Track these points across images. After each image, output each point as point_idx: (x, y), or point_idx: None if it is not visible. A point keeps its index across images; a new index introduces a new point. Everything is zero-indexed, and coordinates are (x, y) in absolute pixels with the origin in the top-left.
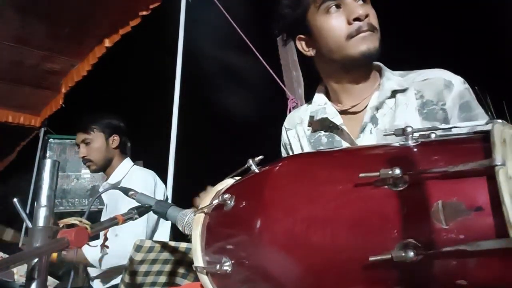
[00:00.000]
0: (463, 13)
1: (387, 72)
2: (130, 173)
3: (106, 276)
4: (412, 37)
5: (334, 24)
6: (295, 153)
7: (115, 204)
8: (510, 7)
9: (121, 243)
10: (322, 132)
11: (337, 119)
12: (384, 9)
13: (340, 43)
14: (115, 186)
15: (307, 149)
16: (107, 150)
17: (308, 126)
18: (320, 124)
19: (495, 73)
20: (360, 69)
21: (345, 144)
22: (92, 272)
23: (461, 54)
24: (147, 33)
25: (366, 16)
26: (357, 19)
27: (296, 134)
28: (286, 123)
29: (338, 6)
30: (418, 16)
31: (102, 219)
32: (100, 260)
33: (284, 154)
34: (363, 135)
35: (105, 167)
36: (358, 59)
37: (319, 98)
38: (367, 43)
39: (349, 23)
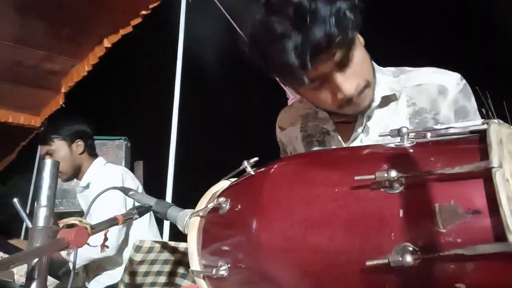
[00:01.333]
0: (464, 12)
1: (378, 73)
2: (99, 173)
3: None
4: (413, 36)
5: (322, 99)
6: (290, 152)
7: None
8: (510, 7)
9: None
10: (316, 136)
11: (329, 125)
12: (386, 8)
13: (332, 110)
14: (115, 186)
15: (301, 150)
16: (73, 158)
17: (301, 130)
18: (313, 129)
19: (495, 73)
20: None
21: None
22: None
23: (461, 54)
24: (147, 32)
25: (355, 91)
26: (346, 100)
27: (291, 135)
28: (280, 122)
29: (322, 81)
30: (419, 15)
31: None
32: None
33: (282, 150)
34: (354, 144)
35: (75, 174)
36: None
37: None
38: (361, 105)
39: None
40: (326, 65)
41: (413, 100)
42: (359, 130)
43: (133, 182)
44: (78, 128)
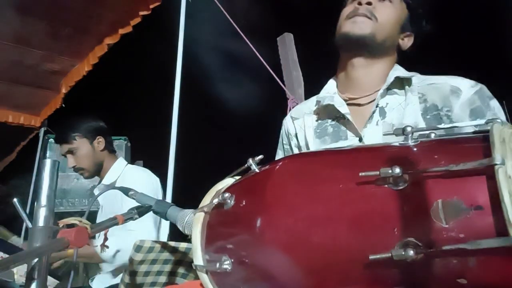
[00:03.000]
0: (464, 12)
1: (396, 65)
2: (124, 172)
3: (117, 271)
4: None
5: (348, 2)
6: (300, 143)
7: (111, 205)
8: (510, 7)
9: (135, 239)
10: (329, 121)
11: (343, 109)
12: None
13: (342, 20)
14: (115, 186)
15: (312, 139)
16: (95, 154)
17: (315, 113)
18: (327, 112)
19: (495, 73)
20: (349, 53)
21: (350, 134)
22: (106, 267)
23: (461, 54)
24: (147, 32)
25: (368, 3)
26: (359, 3)
27: (303, 124)
28: (293, 113)
29: None
30: None
31: (97, 221)
32: (114, 256)
33: (285, 144)
34: (370, 125)
35: (98, 171)
36: (342, 39)
37: (330, 86)
38: (353, 26)
39: (356, 5)
40: None
41: (425, 96)
42: (373, 109)
43: (158, 182)
44: (97, 124)
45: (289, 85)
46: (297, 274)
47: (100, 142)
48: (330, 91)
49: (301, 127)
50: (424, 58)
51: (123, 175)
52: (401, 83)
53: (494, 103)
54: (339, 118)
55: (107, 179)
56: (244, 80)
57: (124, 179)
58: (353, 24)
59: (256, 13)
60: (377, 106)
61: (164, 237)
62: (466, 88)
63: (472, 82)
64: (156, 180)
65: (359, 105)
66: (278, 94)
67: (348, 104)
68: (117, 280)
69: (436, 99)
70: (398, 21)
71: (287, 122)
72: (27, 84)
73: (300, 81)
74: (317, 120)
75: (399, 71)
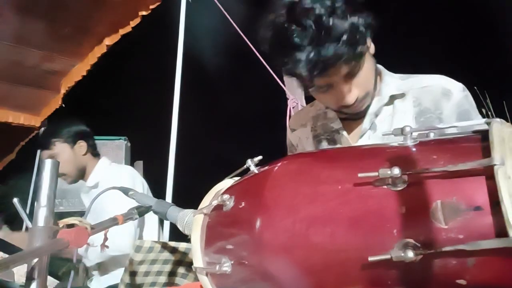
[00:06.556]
0: (463, 13)
1: (386, 76)
2: (107, 172)
3: (103, 271)
4: (412, 37)
5: (324, 100)
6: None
7: (100, 208)
8: (509, 7)
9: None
10: (324, 135)
11: (337, 124)
12: (384, 8)
13: (331, 109)
14: (115, 187)
15: (310, 149)
16: (77, 159)
17: (311, 130)
18: (322, 128)
19: (495, 73)
20: None
21: None
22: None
23: (461, 54)
24: (147, 33)
25: (355, 101)
26: (343, 107)
27: (301, 135)
28: (291, 124)
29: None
30: (419, 16)
31: None
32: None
33: (290, 153)
34: (362, 140)
35: (81, 176)
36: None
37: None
38: (358, 109)
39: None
40: (332, 78)
41: (419, 100)
42: (367, 126)
43: (142, 183)
44: (78, 128)
45: (289, 85)
46: (296, 274)
47: (82, 146)
48: (322, 107)
49: (299, 138)
50: (423, 59)
51: (107, 176)
52: (393, 98)
53: (477, 111)
54: (334, 132)
55: (90, 181)
56: (244, 80)
57: (107, 180)
58: (348, 110)
59: (256, 12)
60: (370, 127)
61: (165, 237)
62: (457, 91)
63: (462, 86)
64: (140, 178)
65: (351, 119)
66: (278, 94)
67: (341, 119)
68: (116, 280)
69: (429, 102)
70: (370, 66)
71: (288, 133)
72: (27, 84)
73: None
74: (314, 135)
75: (392, 87)
